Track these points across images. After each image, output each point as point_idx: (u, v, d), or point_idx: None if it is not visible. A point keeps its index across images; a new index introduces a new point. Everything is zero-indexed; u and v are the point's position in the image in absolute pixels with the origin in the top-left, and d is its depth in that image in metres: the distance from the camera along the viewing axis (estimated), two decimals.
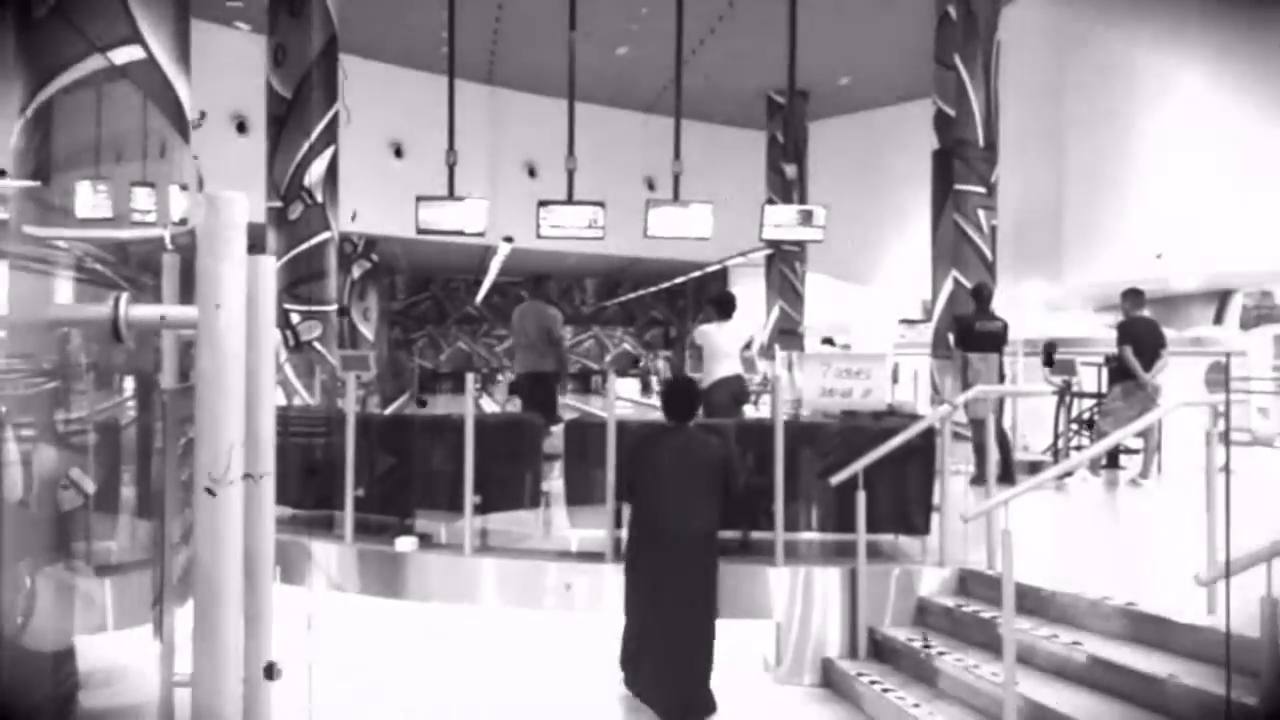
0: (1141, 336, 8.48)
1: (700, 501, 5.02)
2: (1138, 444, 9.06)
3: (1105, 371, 9.87)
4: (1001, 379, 8.70)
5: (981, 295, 8.98)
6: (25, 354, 1.59)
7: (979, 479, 7.91)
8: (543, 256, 17.22)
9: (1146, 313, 8.79)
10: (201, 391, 1.40)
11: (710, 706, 4.97)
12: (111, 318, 1.32)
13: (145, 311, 1.38)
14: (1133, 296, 8.70)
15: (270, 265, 1.58)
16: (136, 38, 6.35)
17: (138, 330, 1.38)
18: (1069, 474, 8.61)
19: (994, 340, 8.58)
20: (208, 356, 1.39)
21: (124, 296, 1.33)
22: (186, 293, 1.52)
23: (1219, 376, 11.19)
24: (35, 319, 1.56)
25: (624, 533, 5.36)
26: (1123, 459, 9.71)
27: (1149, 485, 8.66)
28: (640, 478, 5.14)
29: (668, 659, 4.96)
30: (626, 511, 5.40)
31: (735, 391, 8.18)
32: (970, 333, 8.64)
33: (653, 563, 5.01)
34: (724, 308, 8.42)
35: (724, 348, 8.19)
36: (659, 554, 4.99)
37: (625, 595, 5.20)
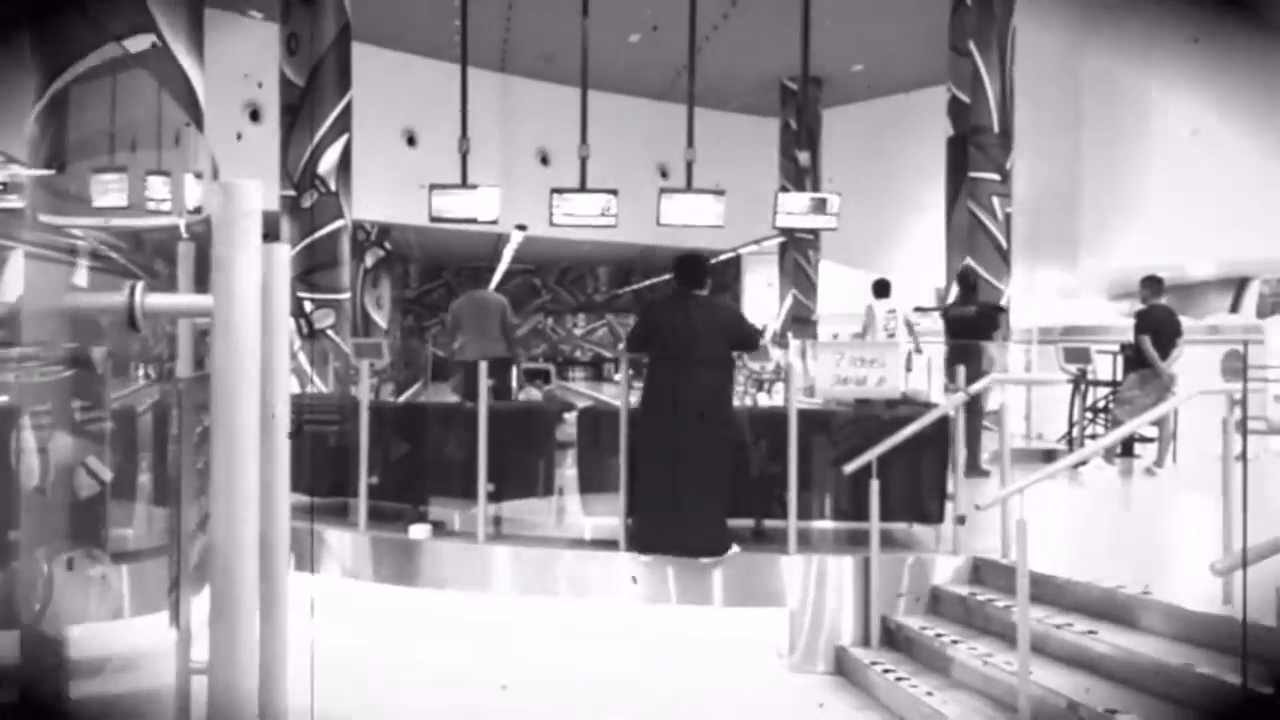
0: (1159, 325, 8.43)
1: (706, 361, 5.51)
2: (1153, 432, 9.01)
3: (1120, 359, 9.82)
4: (986, 365, 8.57)
5: (967, 281, 8.94)
6: (42, 342, 1.60)
7: (972, 468, 7.72)
8: (555, 244, 17.22)
9: (1164, 300, 8.74)
10: (217, 379, 1.40)
11: (725, 545, 5.50)
12: (128, 306, 1.33)
13: (161, 300, 1.38)
14: (1152, 284, 8.64)
15: (285, 254, 1.58)
16: (151, 26, 6.38)
17: (153, 319, 1.38)
18: (1084, 462, 8.57)
19: (967, 326, 8.53)
20: (223, 344, 1.39)
21: (140, 285, 1.33)
22: (201, 281, 1.52)
23: (1236, 364, 11.11)
24: (52, 307, 1.56)
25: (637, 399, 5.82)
26: (1138, 447, 9.66)
27: (1164, 474, 8.62)
28: (652, 343, 5.66)
29: (683, 502, 5.42)
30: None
31: None
32: (945, 318, 8.65)
33: (665, 417, 5.50)
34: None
35: None
36: (671, 409, 5.48)
37: (634, 464, 5.66)
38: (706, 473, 5.46)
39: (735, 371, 5.88)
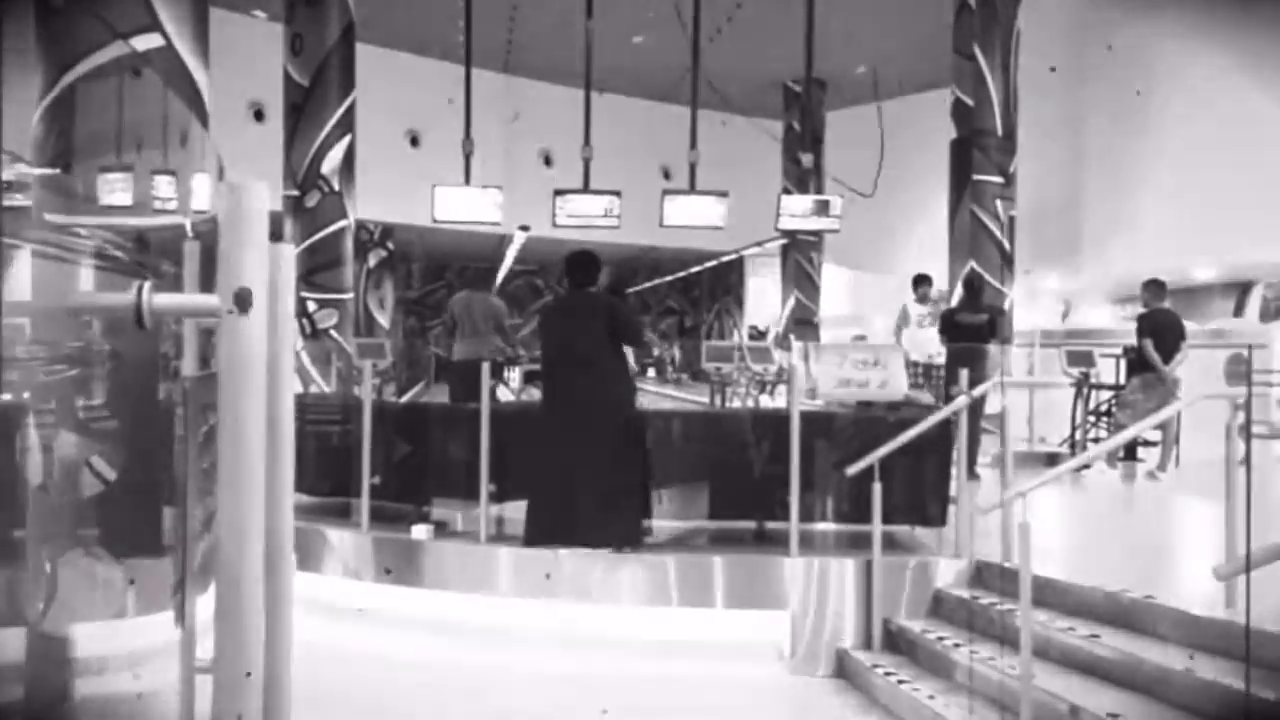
0: (1162, 328, 8.41)
1: (589, 343, 5.62)
2: (1156, 436, 9.00)
3: (1123, 363, 9.81)
4: (991, 370, 8.55)
5: (973, 287, 8.90)
6: (48, 341, 1.60)
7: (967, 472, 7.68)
8: (558, 245, 17.18)
9: (1167, 304, 8.73)
10: (223, 379, 1.40)
11: (628, 538, 5.57)
12: (135, 305, 1.33)
13: (168, 299, 1.38)
14: (1154, 288, 8.63)
15: (290, 253, 1.58)
16: (156, 25, 6.38)
17: (160, 318, 1.38)
18: (1086, 466, 8.55)
19: (977, 332, 8.51)
20: (229, 344, 1.40)
21: (147, 285, 1.33)
22: (207, 280, 1.53)
23: (1239, 369, 11.10)
24: (59, 306, 1.56)
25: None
26: (1140, 451, 9.65)
27: (1167, 478, 8.61)
28: (545, 338, 5.88)
29: (575, 493, 5.51)
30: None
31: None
32: (951, 324, 8.61)
33: (554, 410, 5.71)
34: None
35: None
36: (562, 398, 5.68)
37: (532, 464, 5.75)
38: (598, 464, 5.53)
39: (626, 366, 5.97)
